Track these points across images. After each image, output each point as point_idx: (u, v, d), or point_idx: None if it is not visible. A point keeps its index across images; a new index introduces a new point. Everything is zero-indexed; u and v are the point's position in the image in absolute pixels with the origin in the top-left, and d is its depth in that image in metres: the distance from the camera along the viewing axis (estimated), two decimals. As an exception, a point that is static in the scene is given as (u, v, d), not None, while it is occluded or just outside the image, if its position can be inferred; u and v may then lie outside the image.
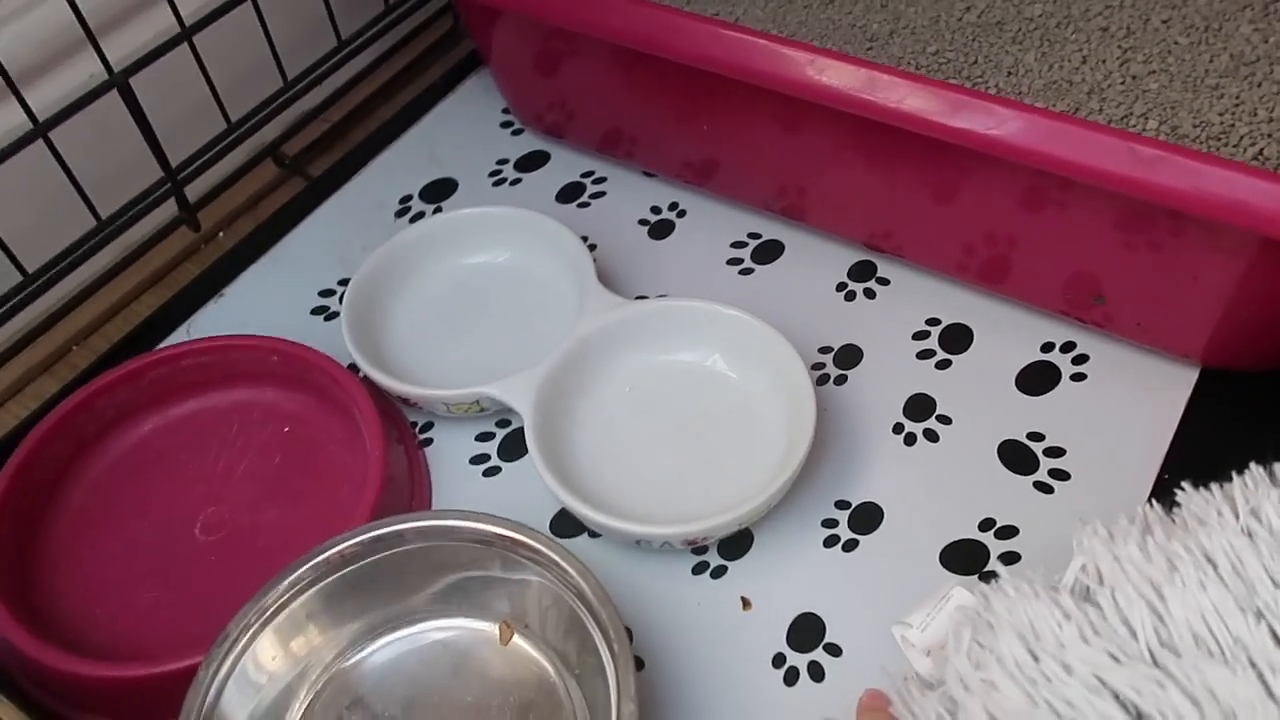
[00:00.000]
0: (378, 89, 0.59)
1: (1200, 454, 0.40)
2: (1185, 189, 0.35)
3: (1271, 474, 0.31)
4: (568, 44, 0.49)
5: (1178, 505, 0.32)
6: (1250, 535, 0.29)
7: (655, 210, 0.52)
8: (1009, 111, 0.38)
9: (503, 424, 0.43)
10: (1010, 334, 0.45)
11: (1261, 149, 0.49)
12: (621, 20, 0.44)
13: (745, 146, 0.48)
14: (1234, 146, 0.49)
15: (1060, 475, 0.40)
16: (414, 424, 0.44)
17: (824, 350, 0.45)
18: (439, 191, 0.54)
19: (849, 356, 0.45)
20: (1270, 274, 0.37)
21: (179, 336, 0.47)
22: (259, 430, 0.42)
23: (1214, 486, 0.32)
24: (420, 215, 0.53)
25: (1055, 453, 0.41)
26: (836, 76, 0.40)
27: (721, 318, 0.42)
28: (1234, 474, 0.32)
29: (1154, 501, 0.33)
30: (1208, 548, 0.29)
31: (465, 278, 0.48)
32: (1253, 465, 0.32)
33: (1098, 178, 0.36)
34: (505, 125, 0.57)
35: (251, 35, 0.50)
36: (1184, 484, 0.32)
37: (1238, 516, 0.30)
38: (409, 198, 0.54)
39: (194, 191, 0.50)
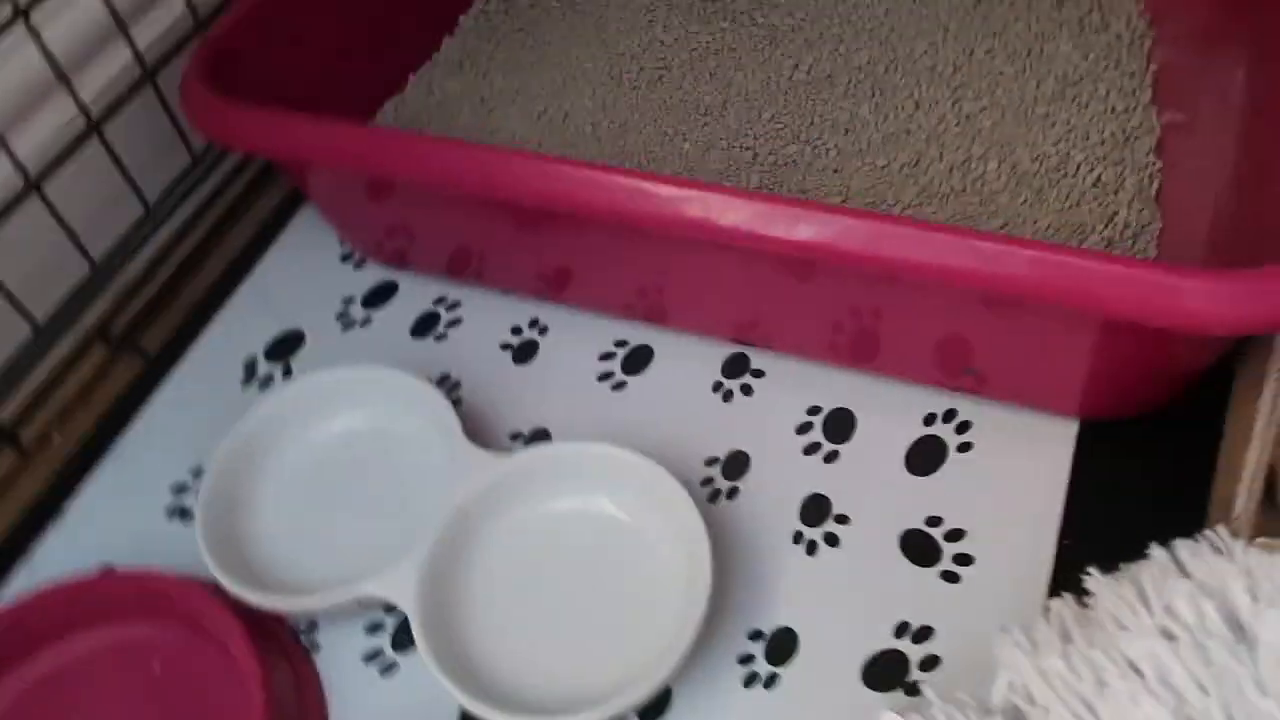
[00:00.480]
0: (201, 241, 0.55)
1: (1094, 512, 0.40)
2: (1027, 279, 0.34)
3: (1175, 559, 0.31)
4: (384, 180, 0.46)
5: (1088, 592, 0.32)
6: (1169, 637, 0.29)
7: (516, 331, 0.50)
8: (834, 219, 0.36)
9: (391, 608, 0.41)
10: (892, 412, 0.44)
11: (1099, 175, 0.49)
12: (417, 163, 0.42)
13: (594, 256, 0.46)
14: (1073, 176, 0.49)
15: (964, 560, 0.39)
16: (298, 629, 0.41)
17: (710, 462, 0.44)
18: (285, 347, 0.51)
19: (736, 465, 0.43)
20: (1125, 336, 0.37)
21: (19, 580, 0.43)
22: (126, 675, 0.39)
23: (1123, 578, 0.31)
24: (269, 379, 0.49)
25: (955, 536, 0.40)
26: (649, 203, 0.38)
27: (599, 457, 0.41)
28: (1139, 559, 0.32)
29: (1064, 593, 0.33)
30: (1131, 655, 0.29)
31: (325, 452, 0.45)
32: (1154, 549, 0.32)
33: (937, 276, 0.35)
34: (346, 259, 0.54)
35: (44, 225, 0.46)
36: (1090, 569, 0.32)
37: (1152, 614, 0.29)
38: (254, 361, 0.50)
39: (13, 406, 0.46)
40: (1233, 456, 0.36)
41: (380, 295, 0.52)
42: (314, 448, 0.45)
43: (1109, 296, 0.33)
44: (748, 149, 0.52)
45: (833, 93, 0.54)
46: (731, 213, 0.37)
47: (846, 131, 0.52)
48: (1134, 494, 0.40)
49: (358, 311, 0.52)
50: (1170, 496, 0.39)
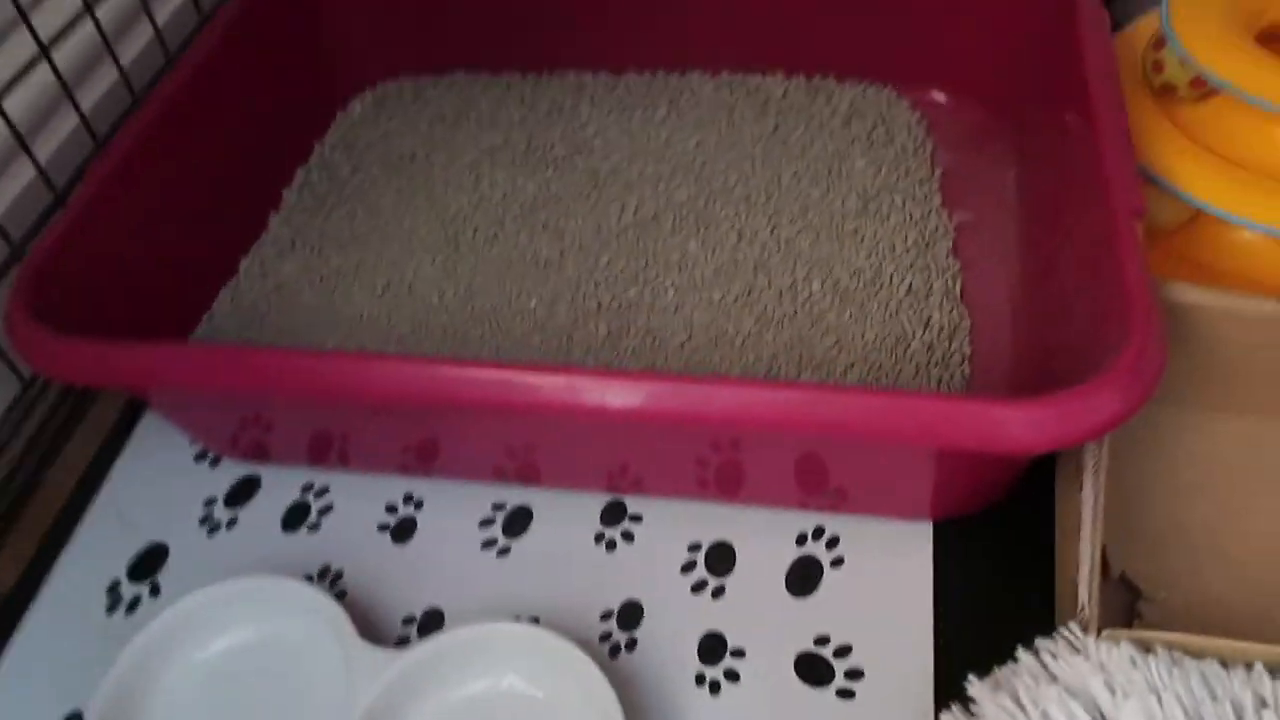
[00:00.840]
0: (41, 458, 0.53)
1: (960, 609, 0.43)
2: (836, 423, 0.37)
3: (1041, 662, 0.34)
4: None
5: (972, 699, 0.35)
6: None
7: (391, 509, 0.50)
8: (649, 385, 0.39)
9: (308, 831, 0.40)
10: (766, 537, 0.47)
11: (910, 282, 0.54)
12: (261, 378, 0.42)
13: (460, 431, 0.47)
14: (888, 287, 0.54)
15: (855, 675, 0.42)
16: None
17: (605, 616, 0.45)
18: (149, 564, 0.49)
19: (631, 615, 0.45)
20: (952, 454, 0.41)
21: None
22: None
23: (1001, 687, 0.34)
24: (136, 601, 0.47)
25: (843, 652, 0.43)
26: (468, 388, 0.40)
27: (499, 636, 0.41)
28: (1009, 654, 0.35)
29: (953, 705, 0.36)
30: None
31: (211, 677, 0.43)
32: (1021, 654, 0.35)
33: (752, 424, 0.38)
34: (201, 458, 0.53)
35: None
36: (970, 677, 0.35)
37: (1030, 721, 0.32)
38: (117, 583, 0.48)
39: None
40: (1065, 548, 0.40)
41: (243, 492, 0.51)
42: (198, 674, 0.43)
43: (933, 432, 0.36)
44: (591, 298, 0.54)
45: (661, 232, 0.57)
46: (592, 393, 0.39)
47: (680, 269, 0.55)
48: (991, 586, 0.44)
49: (221, 513, 0.51)
50: (1022, 581, 0.44)
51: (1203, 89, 0.48)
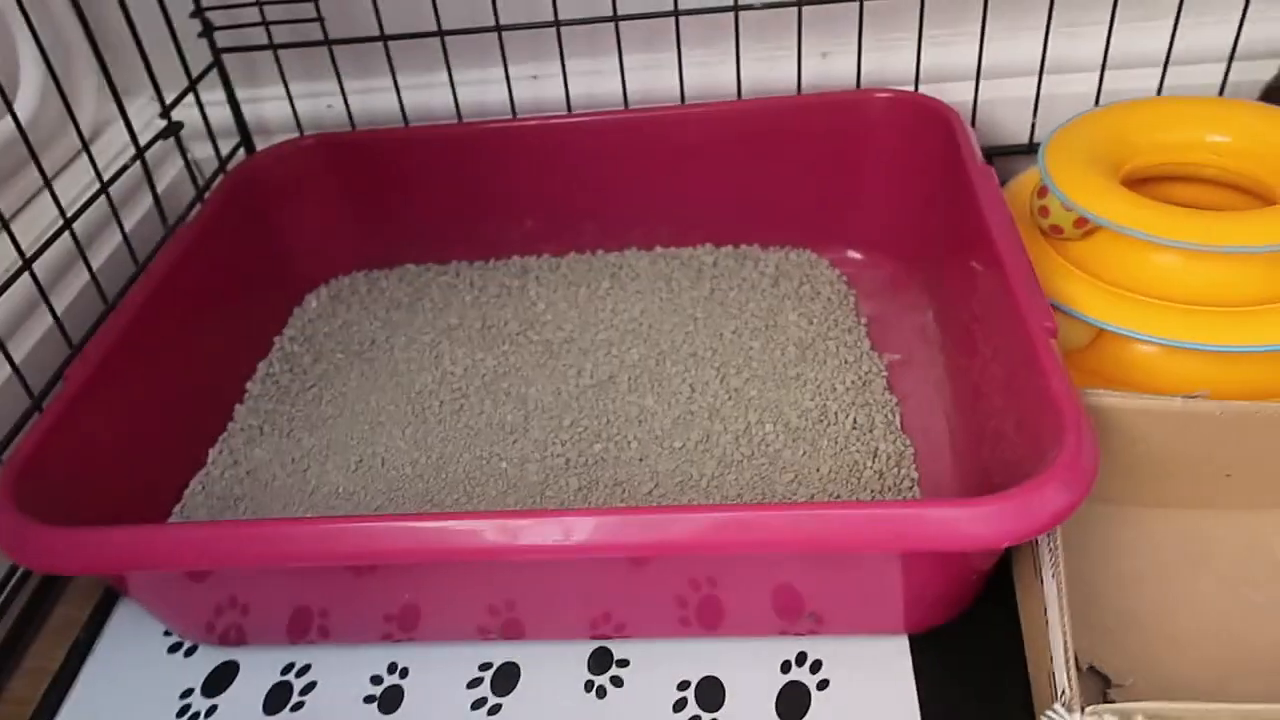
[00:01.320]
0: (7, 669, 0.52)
1: (945, 712, 0.45)
2: (816, 536, 0.40)
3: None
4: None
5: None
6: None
7: (376, 680, 0.50)
8: (612, 519, 0.41)
9: None
10: (753, 668, 0.48)
11: (854, 418, 0.58)
12: (250, 550, 0.43)
13: (439, 590, 0.48)
14: (835, 424, 0.58)
15: (856, 793, 0.43)
16: None
17: (604, 763, 0.45)
18: (127, 763, 0.48)
19: (629, 759, 0.45)
20: (921, 561, 0.43)
21: None
22: None
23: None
24: (115, 804, 0.46)
25: (842, 772, 0.44)
26: (431, 538, 0.42)
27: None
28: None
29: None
30: None
31: None
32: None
33: (730, 547, 0.40)
34: (175, 649, 0.52)
35: None
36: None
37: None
38: (94, 786, 0.47)
39: None
40: (1034, 643, 0.43)
41: (222, 679, 0.51)
42: None
43: (902, 536, 0.39)
44: (559, 456, 0.57)
45: (618, 391, 0.61)
46: (575, 533, 0.41)
47: (640, 422, 0.59)
48: (971, 690, 0.46)
49: (199, 701, 0.50)
50: (999, 683, 0.46)
51: (1085, 227, 0.55)
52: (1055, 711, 0.36)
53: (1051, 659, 0.40)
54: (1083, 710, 0.36)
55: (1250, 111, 0.59)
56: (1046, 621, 0.41)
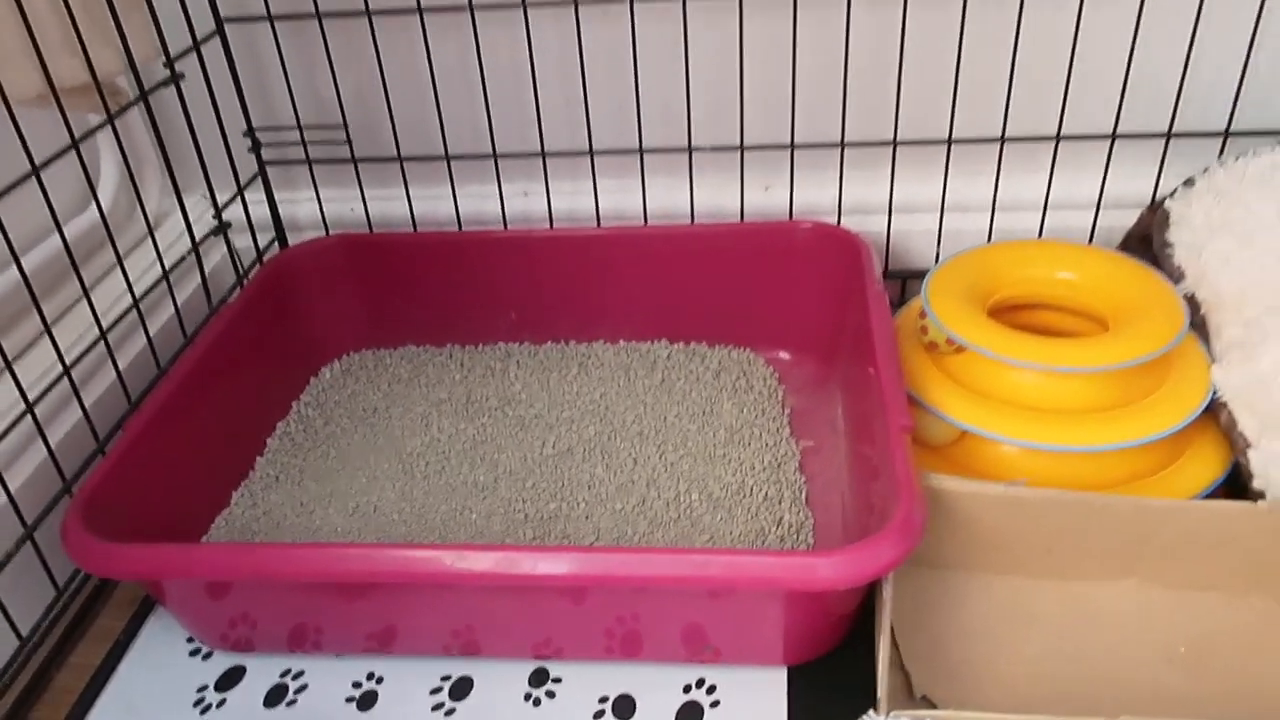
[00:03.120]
0: (48, 659, 0.63)
1: (809, 730, 0.56)
2: (715, 578, 0.52)
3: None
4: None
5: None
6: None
7: (357, 685, 0.61)
8: (579, 555, 0.53)
9: None
10: (660, 688, 0.59)
11: (767, 492, 0.70)
12: (275, 564, 0.55)
13: (413, 613, 0.60)
14: (750, 496, 0.70)
15: (730, 787, 0.54)
16: None
17: (534, 757, 0.56)
18: (151, 740, 0.59)
19: (554, 754, 0.56)
20: (794, 604, 0.55)
21: None
22: None
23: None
24: (141, 771, 0.57)
25: (721, 770, 0.55)
26: (437, 564, 0.54)
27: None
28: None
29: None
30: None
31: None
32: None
33: (670, 585, 0.52)
34: (194, 653, 0.64)
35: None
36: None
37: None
38: (123, 758, 0.58)
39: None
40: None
41: (231, 679, 0.62)
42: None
43: (770, 580, 0.51)
44: (520, 512, 0.69)
45: (574, 460, 0.73)
46: (528, 564, 0.53)
47: (589, 487, 0.71)
48: (832, 710, 0.57)
49: (211, 695, 0.61)
50: (857, 706, 0.57)
51: (955, 345, 0.68)
52: (869, 715, 0.48)
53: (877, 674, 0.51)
54: (888, 713, 0.47)
55: (1091, 255, 0.72)
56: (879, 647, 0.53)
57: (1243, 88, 0.74)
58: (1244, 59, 0.73)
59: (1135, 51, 0.73)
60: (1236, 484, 0.63)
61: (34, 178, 0.60)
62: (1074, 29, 0.73)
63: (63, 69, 0.61)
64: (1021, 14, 0.74)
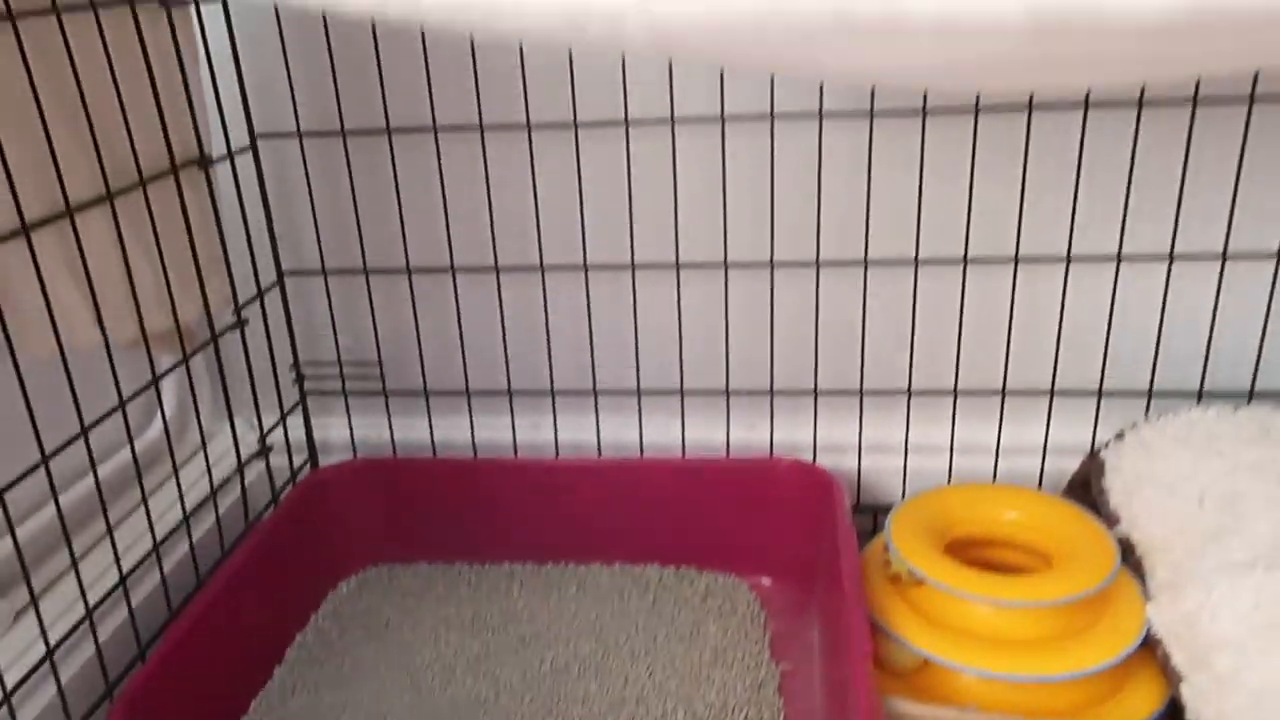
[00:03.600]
0: None
1: None
2: None
3: None
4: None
5: None
6: None
7: None
8: None
9: None
10: None
11: (747, 713, 0.76)
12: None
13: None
14: (732, 716, 0.76)
15: None
16: None
17: None
18: None
19: None
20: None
21: None
22: None
23: None
24: None
25: None
26: None
27: None
28: None
29: None
30: None
31: None
32: None
33: None
34: None
35: None
36: None
37: None
38: None
39: None
40: None
41: None
42: None
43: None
44: (518, 725, 0.74)
45: (569, 678, 0.79)
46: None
47: (583, 703, 0.77)
48: None
49: None
50: None
51: (915, 578, 0.76)
52: None
53: None
54: None
55: (1035, 499, 0.81)
56: None
57: (1160, 353, 0.86)
58: (1157, 330, 0.85)
59: (1065, 318, 0.86)
60: (1176, 716, 0.69)
61: (120, 410, 0.70)
62: (1010, 299, 0.85)
63: (154, 319, 0.73)
64: (965, 284, 0.86)
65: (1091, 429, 0.89)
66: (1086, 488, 0.85)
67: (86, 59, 0.67)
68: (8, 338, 0.61)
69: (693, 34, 0.21)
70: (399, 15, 0.24)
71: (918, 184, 0.84)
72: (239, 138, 0.86)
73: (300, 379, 0.96)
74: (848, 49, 0.20)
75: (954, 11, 0.19)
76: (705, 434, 0.95)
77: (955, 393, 0.90)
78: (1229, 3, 0.20)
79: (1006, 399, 0.89)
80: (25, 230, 0.61)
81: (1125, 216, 0.82)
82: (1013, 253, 0.85)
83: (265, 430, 0.92)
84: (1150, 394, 0.87)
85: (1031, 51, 0.20)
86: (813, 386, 0.91)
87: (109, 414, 0.70)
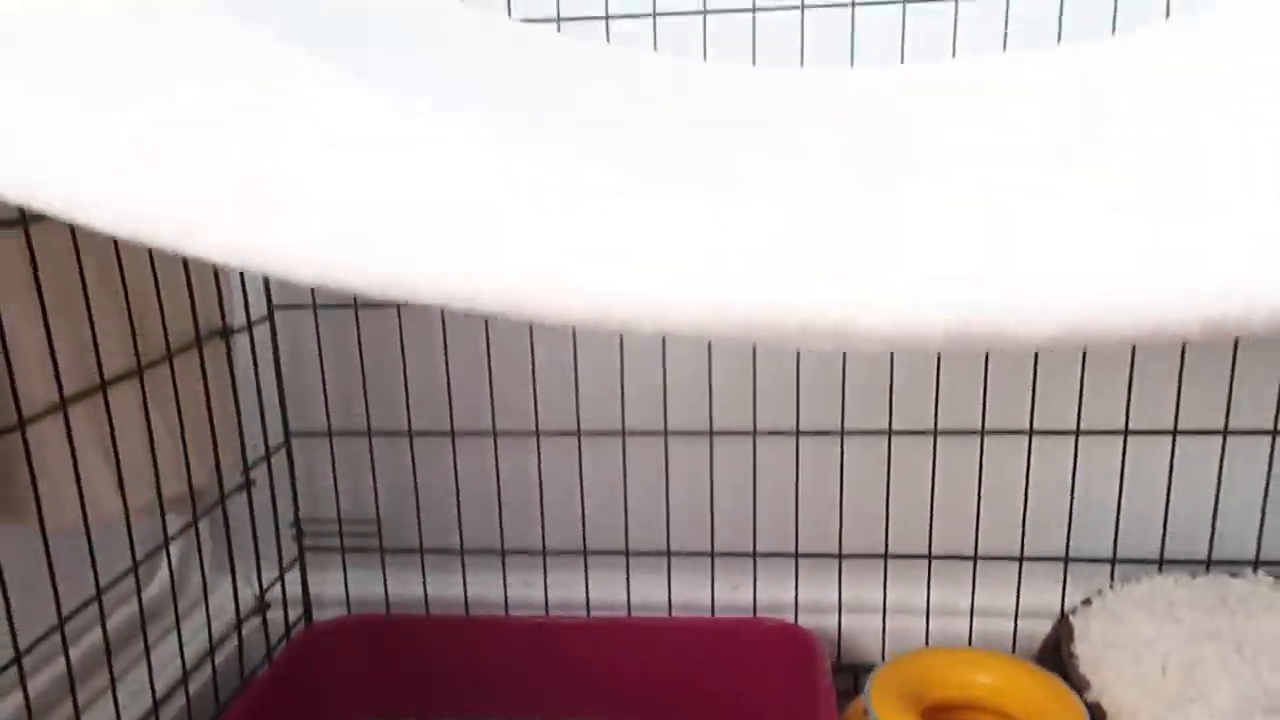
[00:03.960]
0: None
1: None
2: None
3: None
4: None
5: None
6: None
7: None
8: None
9: None
10: None
11: None
12: None
13: None
14: None
15: None
16: None
17: None
18: None
19: None
20: None
21: None
22: None
23: None
24: None
25: None
26: None
27: None
28: None
29: None
30: None
31: None
32: None
33: None
34: None
35: None
36: None
37: None
38: None
39: None
40: None
41: None
42: None
43: None
44: None
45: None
46: None
47: None
48: None
49: None
50: None
51: (891, 742, 0.78)
52: None
53: None
54: None
55: (1007, 663, 0.85)
56: None
57: (1121, 522, 0.91)
58: (1117, 499, 0.90)
59: (1030, 487, 0.91)
60: None
61: (133, 573, 0.73)
62: (979, 468, 0.91)
63: (170, 485, 0.77)
64: (936, 454, 0.92)
65: (1060, 593, 0.93)
66: (1058, 651, 0.88)
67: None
68: (40, 512, 0.65)
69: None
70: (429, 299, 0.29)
71: (889, 364, 0.90)
72: (257, 308, 0.92)
73: (300, 536, 0.99)
74: (814, 344, 0.26)
75: (889, 333, 0.25)
76: (691, 593, 0.98)
77: (930, 557, 0.94)
78: (1103, 326, 0.25)
79: (979, 564, 0.93)
80: (63, 405, 0.66)
81: (1081, 394, 0.89)
82: (979, 425, 0.91)
83: (264, 587, 0.95)
84: (1114, 560, 0.91)
85: (949, 347, 0.26)
86: (794, 549, 0.95)
87: (121, 577, 0.73)
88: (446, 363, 0.95)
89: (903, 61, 0.85)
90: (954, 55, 0.84)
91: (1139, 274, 0.25)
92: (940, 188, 0.35)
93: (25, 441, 0.63)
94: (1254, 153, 0.39)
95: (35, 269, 0.63)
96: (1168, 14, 0.81)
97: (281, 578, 0.97)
